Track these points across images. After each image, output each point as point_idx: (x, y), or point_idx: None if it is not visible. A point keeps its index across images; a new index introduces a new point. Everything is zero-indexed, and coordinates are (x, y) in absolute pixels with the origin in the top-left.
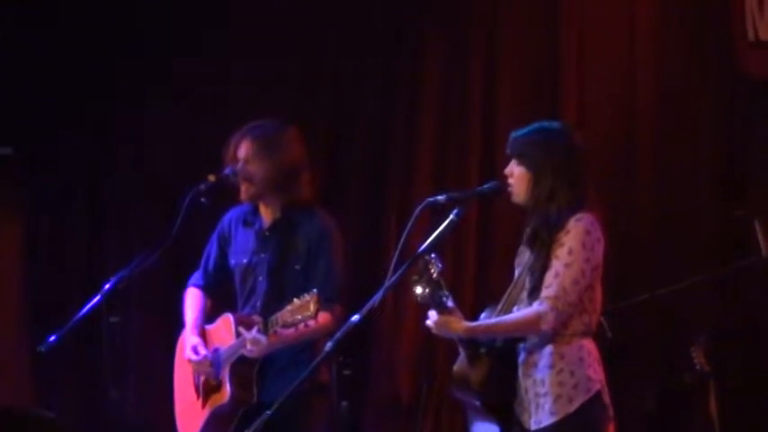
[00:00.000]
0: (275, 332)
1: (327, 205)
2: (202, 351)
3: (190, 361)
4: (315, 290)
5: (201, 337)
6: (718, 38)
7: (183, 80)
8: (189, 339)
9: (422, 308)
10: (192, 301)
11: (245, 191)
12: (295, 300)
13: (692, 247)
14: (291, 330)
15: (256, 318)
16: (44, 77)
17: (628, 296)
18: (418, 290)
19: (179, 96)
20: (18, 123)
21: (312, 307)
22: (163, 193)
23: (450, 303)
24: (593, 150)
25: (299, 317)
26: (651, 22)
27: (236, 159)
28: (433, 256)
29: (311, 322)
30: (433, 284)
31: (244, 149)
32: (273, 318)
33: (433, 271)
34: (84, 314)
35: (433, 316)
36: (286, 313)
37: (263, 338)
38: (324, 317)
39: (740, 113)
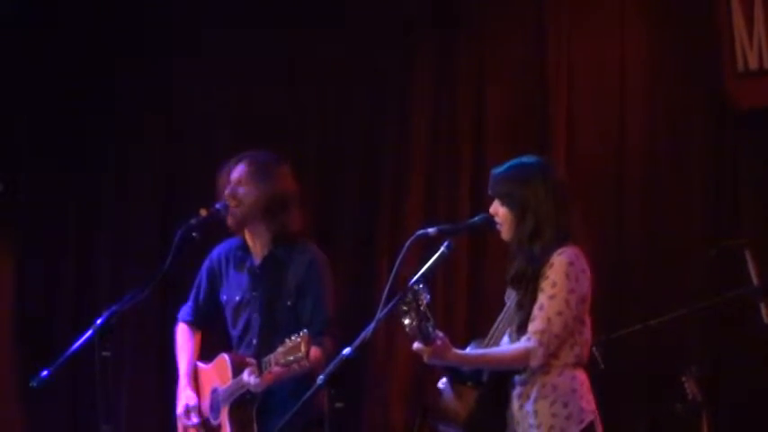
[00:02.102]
0: (269, 372)
1: (318, 238)
2: (195, 419)
3: (179, 419)
4: (305, 330)
5: (195, 378)
6: (708, 67)
7: (173, 116)
8: (183, 395)
9: (411, 339)
10: (183, 341)
11: (231, 215)
12: (287, 341)
13: (683, 277)
14: (284, 368)
15: (251, 360)
16: (35, 114)
17: (619, 327)
18: (406, 321)
19: (169, 131)
20: (8, 159)
21: (303, 348)
22: (154, 227)
23: (437, 334)
24: (581, 181)
25: (291, 358)
26: (641, 51)
27: (228, 183)
28: (421, 286)
29: (304, 362)
30: (421, 316)
31: (238, 172)
32: (267, 359)
33: (420, 302)
34: (77, 349)
35: (419, 347)
36: (278, 355)
37: (258, 382)
38: (314, 351)
39: (729, 143)
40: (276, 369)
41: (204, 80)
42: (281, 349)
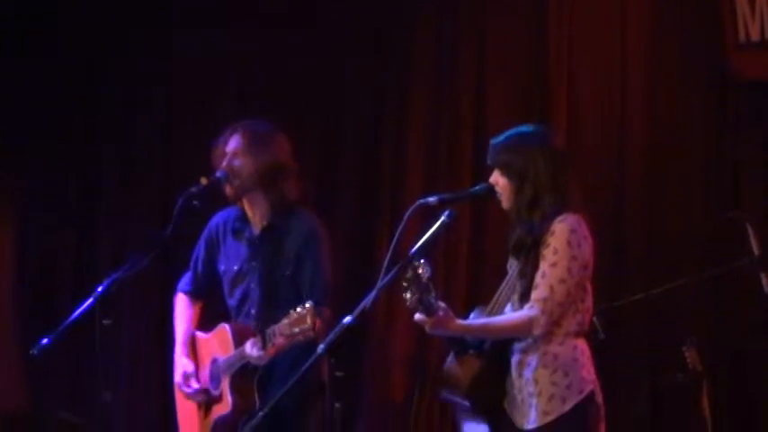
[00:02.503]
0: (273, 344)
1: (319, 208)
2: (195, 385)
3: (179, 388)
4: (310, 302)
5: (192, 347)
6: (709, 39)
7: (173, 85)
8: (180, 363)
9: (413, 312)
10: (182, 309)
11: (229, 187)
12: (292, 312)
13: (684, 248)
14: (287, 339)
15: (253, 325)
16: (35, 79)
17: (620, 296)
18: (407, 295)
19: (170, 99)
20: (9, 125)
21: (309, 320)
22: (155, 195)
23: (439, 305)
24: (583, 152)
25: (297, 329)
26: (642, 22)
27: (224, 154)
28: (422, 260)
29: (309, 333)
30: (422, 289)
31: (233, 143)
32: (270, 331)
33: (422, 275)
34: (77, 317)
35: (420, 319)
36: (284, 326)
37: (262, 354)
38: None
39: (731, 114)
40: (280, 341)
41: (204, 49)
42: (285, 321)
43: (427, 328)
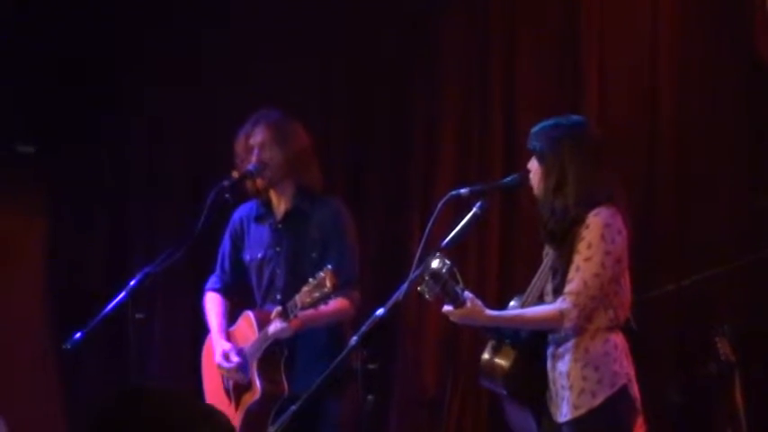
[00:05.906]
0: (296, 316)
1: (351, 200)
2: (234, 359)
3: (220, 367)
4: (329, 266)
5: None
6: (738, 21)
7: (198, 73)
8: (219, 344)
9: (440, 304)
10: (213, 305)
11: (261, 179)
12: (310, 280)
13: (716, 237)
14: (311, 311)
15: (276, 310)
16: (65, 76)
17: (653, 287)
18: (425, 288)
19: (197, 90)
20: (41, 122)
21: (328, 283)
22: (187, 189)
23: (467, 295)
24: (612, 140)
25: (317, 294)
26: (672, 5)
27: (248, 147)
28: (437, 254)
29: (330, 297)
30: (446, 279)
31: (259, 136)
32: (292, 302)
33: (440, 268)
34: (110, 311)
35: (448, 310)
36: (304, 294)
37: (285, 326)
38: (342, 302)
39: (760, 99)
40: (302, 314)
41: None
42: (305, 288)
43: (454, 319)
